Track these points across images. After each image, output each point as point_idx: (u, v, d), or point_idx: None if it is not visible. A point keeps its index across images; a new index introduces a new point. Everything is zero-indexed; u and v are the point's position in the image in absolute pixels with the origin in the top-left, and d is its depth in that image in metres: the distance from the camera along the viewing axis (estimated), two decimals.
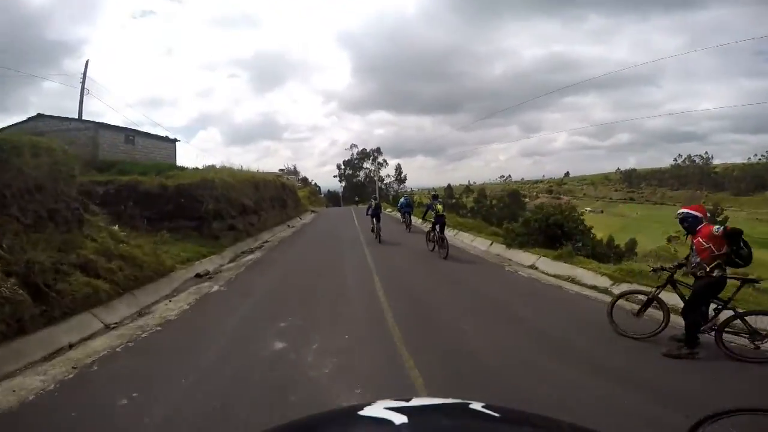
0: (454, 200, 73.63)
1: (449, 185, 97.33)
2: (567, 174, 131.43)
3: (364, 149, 75.30)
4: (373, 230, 13.91)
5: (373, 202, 14.66)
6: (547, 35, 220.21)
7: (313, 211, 30.68)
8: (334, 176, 75.29)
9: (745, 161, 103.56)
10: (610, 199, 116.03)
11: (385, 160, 74.05)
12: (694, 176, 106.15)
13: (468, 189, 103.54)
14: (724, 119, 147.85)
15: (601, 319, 5.48)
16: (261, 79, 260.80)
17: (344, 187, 73.07)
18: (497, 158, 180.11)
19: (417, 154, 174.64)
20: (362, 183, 73.08)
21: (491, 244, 12.58)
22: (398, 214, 19.30)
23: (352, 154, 74.86)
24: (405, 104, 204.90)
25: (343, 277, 8.95)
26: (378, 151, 74.77)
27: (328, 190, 72.94)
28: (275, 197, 20.97)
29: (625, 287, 7.94)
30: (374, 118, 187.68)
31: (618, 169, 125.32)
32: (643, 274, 8.20)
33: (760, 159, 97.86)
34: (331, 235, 17.42)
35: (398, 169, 74.07)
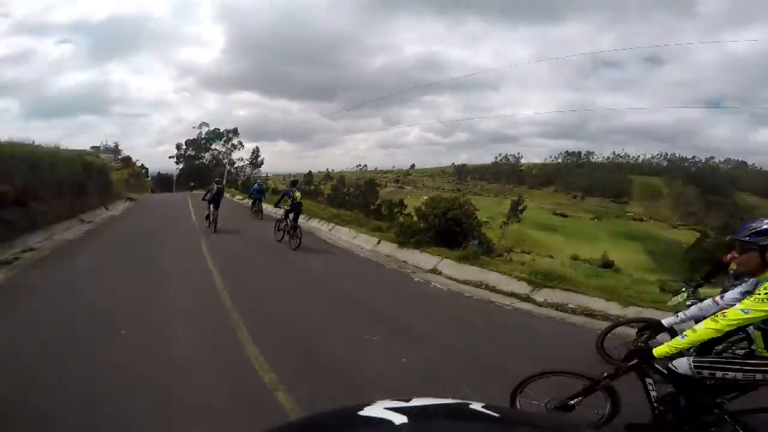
0: (312, 187, 70.46)
1: (310, 172, 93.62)
2: (413, 166, 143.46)
3: (217, 129, 64.72)
4: (207, 217, 11.99)
5: (215, 186, 12.42)
6: (431, 34, 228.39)
7: (129, 199, 23.09)
8: (170, 157, 62.54)
9: (543, 162, 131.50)
10: (443, 189, 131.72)
11: (240, 142, 65.03)
12: (506, 172, 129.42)
13: (328, 176, 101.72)
14: (537, 125, 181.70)
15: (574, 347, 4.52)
16: (101, 46, 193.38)
17: (181, 170, 61.33)
18: (357, 147, 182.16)
19: (278, 139, 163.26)
20: (206, 165, 62.78)
21: (378, 242, 10.22)
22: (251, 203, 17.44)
23: (200, 134, 63.56)
24: (276, 87, 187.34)
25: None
26: (234, 131, 65.14)
27: (158, 173, 60.19)
28: (67, 181, 14.09)
29: (548, 293, 6.69)
30: (238, 98, 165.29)
31: (453, 164, 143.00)
32: (564, 278, 7.04)
33: (552, 160, 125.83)
34: (147, 235, 11.76)
35: (255, 152, 65.96)
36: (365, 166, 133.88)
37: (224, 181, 47.89)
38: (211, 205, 11.87)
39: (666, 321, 2.62)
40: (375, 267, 8.48)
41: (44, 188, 11.80)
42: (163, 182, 56.62)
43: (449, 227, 9.36)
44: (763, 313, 2.06)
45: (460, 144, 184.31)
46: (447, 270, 7.94)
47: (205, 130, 64.05)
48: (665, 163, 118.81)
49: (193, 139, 63.57)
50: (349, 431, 0.55)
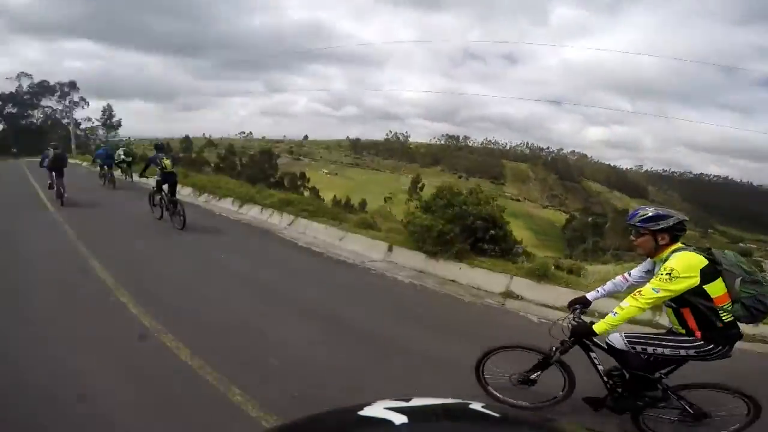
0: (194, 154, 59.91)
1: (188, 137, 79.58)
2: (306, 137, 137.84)
3: (45, 82, 48.99)
4: (51, 186, 10.22)
5: (51, 152, 10.39)
6: (316, 2, 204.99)
7: None
8: None
9: (429, 142, 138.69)
10: (341, 163, 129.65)
11: (83, 98, 50.50)
12: (398, 150, 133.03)
13: (211, 143, 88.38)
14: (418, 107, 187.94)
15: None
16: None
17: (3, 131, 45.45)
18: (237, 113, 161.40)
19: (134, 98, 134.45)
20: (39, 126, 47.70)
21: (390, 248, 7.08)
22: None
23: (20, 86, 47.29)
24: (125, 37, 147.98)
25: None
26: (71, 85, 50.03)
27: None
28: None
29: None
30: (70, 48, 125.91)
31: (348, 137, 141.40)
32: None
33: (437, 141, 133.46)
34: None
35: (107, 111, 52.01)
36: (250, 133, 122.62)
37: (73, 145, 37.21)
38: (53, 173, 10.09)
39: (590, 296, 2.71)
40: (429, 296, 5.37)
41: None
42: None
43: (485, 230, 6.97)
44: (669, 293, 2.22)
45: (350, 117, 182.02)
46: (527, 293, 5.50)
47: (27, 82, 48.49)
48: (527, 151, 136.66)
49: (12, 93, 47.36)
50: (350, 431, 0.54)
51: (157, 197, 8.66)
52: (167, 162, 8.31)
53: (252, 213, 9.86)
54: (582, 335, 2.43)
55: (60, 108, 49.34)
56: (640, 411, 2.54)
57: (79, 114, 49.40)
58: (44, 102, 49.03)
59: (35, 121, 48.30)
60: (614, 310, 2.29)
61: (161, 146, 9.09)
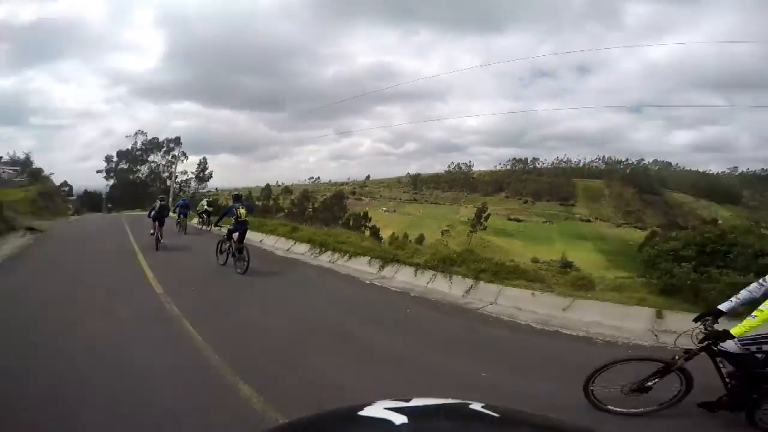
0: (271, 202, 61.79)
1: (268, 185, 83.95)
2: (368, 177, 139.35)
3: (155, 138, 53.99)
4: (152, 233, 10.96)
5: (158, 203, 11.31)
6: (385, 45, 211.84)
7: (31, 229, 14.39)
8: (98, 171, 50.65)
9: (493, 169, 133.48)
10: (400, 199, 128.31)
11: (184, 153, 54.59)
12: (460, 181, 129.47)
13: (287, 190, 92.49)
14: (480, 134, 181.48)
15: None
16: (23, 51, 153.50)
17: (113, 186, 49.84)
18: (307, 160, 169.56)
19: (221, 151, 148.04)
20: (144, 180, 52.07)
21: (658, 315, 4.05)
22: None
23: (135, 143, 52.57)
24: (219, 97, 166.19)
25: None
26: (176, 141, 54.57)
27: (85, 191, 48.55)
28: None
29: None
30: (176, 109, 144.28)
31: (408, 173, 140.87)
32: None
33: (502, 167, 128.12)
34: None
35: (202, 164, 55.40)
36: (318, 178, 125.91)
37: (170, 198, 38.83)
38: (156, 223, 10.99)
39: (724, 306, 2.75)
40: None
41: None
42: (91, 200, 45.44)
43: None
44: None
45: (410, 154, 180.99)
46: None
47: (140, 139, 53.26)
48: (603, 167, 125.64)
49: (127, 150, 52.47)
50: (350, 431, 0.54)
51: (226, 245, 8.79)
52: (242, 211, 8.56)
53: (401, 277, 7.58)
54: (717, 339, 2.53)
55: (163, 163, 53.65)
56: (759, 406, 2.57)
57: (179, 168, 53.37)
58: (151, 157, 53.80)
59: (141, 176, 53.08)
60: (753, 314, 2.46)
61: (239, 197, 9.39)
